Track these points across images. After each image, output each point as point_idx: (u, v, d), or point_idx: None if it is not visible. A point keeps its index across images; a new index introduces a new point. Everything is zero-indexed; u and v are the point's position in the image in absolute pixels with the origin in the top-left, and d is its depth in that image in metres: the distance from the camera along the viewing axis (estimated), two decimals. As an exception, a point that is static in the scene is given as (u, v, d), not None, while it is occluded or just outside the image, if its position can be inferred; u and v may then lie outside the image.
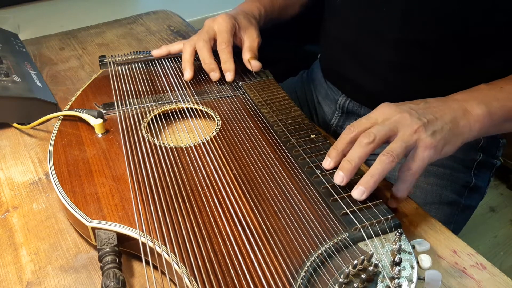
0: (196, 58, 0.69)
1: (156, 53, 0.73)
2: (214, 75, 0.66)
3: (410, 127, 0.46)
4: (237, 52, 0.72)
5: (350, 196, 0.45)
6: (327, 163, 0.48)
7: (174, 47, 0.72)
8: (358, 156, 0.45)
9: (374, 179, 0.44)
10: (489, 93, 0.53)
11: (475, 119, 0.49)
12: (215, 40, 0.67)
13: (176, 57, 0.74)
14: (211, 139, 0.55)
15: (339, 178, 0.45)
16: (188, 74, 0.67)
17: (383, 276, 0.37)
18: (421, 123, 0.46)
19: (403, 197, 0.47)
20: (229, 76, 0.66)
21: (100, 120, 0.56)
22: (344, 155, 0.47)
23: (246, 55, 0.68)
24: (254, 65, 0.67)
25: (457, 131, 0.48)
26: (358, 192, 0.44)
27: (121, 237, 0.43)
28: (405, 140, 0.45)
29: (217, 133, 0.56)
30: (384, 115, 0.48)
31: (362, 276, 0.36)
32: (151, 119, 0.59)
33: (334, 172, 0.48)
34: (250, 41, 0.69)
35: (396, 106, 0.48)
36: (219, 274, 0.38)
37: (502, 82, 0.55)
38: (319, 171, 0.48)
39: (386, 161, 0.44)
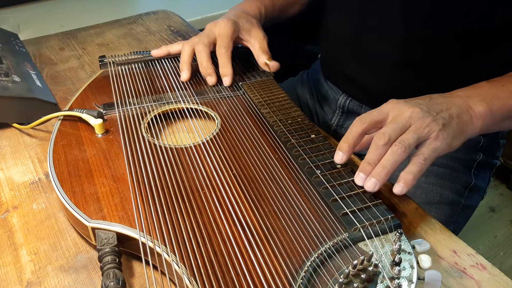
0: (194, 59, 0.69)
1: (155, 53, 0.73)
2: (210, 80, 0.66)
3: (422, 121, 0.46)
4: (242, 52, 0.72)
5: (350, 196, 0.45)
6: (339, 157, 0.47)
7: (174, 48, 0.72)
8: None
9: (386, 171, 0.44)
10: (490, 91, 0.53)
11: (477, 116, 0.50)
12: (214, 44, 0.67)
13: (176, 57, 0.74)
14: (211, 139, 0.55)
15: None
16: (185, 75, 0.67)
17: (383, 276, 0.37)
18: (432, 117, 0.46)
19: (412, 181, 0.44)
20: (226, 81, 0.66)
21: (100, 120, 0.56)
22: (354, 148, 0.47)
23: (262, 58, 0.68)
24: (272, 65, 0.67)
25: (462, 126, 0.49)
26: (371, 185, 0.44)
27: (121, 237, 0.43)
28: (417, 132, 0.45)
29: (217, 133, 0.56)
30: (396, 110, 0.48)
31: (362, 276, 0.36)
32: (151, 119, 0.59)
33: (334, 172, 0.48)
34: (259, 41, 0.68)
35: (405, 102, 0.49)
36: (219, 274, 0.38)
37: (504, 79, 0.55)
38: (319, 171, 0.48)
39: (398, 152, 0.44)
